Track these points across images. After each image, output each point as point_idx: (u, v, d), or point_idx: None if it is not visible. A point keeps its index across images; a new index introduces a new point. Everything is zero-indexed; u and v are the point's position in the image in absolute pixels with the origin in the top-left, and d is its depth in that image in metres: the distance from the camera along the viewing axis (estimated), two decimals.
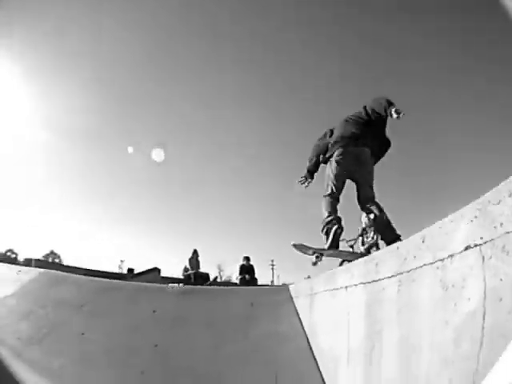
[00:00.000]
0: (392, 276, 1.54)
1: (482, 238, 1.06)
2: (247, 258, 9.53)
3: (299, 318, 3.77)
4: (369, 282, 1.82)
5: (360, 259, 2.14)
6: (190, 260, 8.41)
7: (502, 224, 0.99)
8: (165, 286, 5.34)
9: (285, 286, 4.72)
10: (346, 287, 2.22)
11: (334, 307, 2.55)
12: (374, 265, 1.78)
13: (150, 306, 4.09)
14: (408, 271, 1.41)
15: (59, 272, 6.10)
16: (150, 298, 4.37)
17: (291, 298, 4.28)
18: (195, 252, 8.68)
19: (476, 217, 1.11)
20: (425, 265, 1.31)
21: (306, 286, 3.62)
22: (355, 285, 2.04)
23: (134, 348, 3.45)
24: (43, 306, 4.33)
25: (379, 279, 1.69)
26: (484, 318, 1.01)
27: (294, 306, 4.05)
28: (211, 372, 3.08)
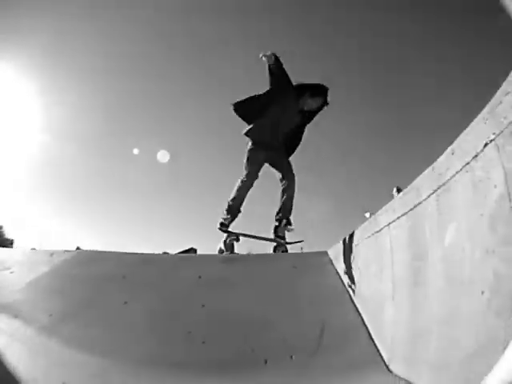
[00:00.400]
0: (430, 194, 1.87)
1: (494, 133, 1.40)
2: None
3: (340, 276, 4.09)
4: (411, 209, 2.14)
5: (402, 192, 2.46)
6: (224, 242, 8.81)
7: (505, 117, 1.35)
8: (208, 254, 5.61)
9: (323, 251, 5.02)
10: (389, 224, 2.54)
11: (377, 250, 2.86)
12: (414, 191, 2.11)
13: (195, 273, 4.36)
14: (444, 183, 1.74)
15: (94, 250, 6.20)
16: (193, 266, 4.63)
17: (331, 260, 4.61)
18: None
19: (487, 119, 1.47)
20: (456, 172, 1.64)
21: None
22: (398, 218, 2.36)
23: (179, 311, 3.66)
24: (79, 282, 4.50)
25: (419, 202, 2.01)
26: (510, 199, 1.31)
27: (335, 267, 4.37)
28: (259, 325, 3.31)
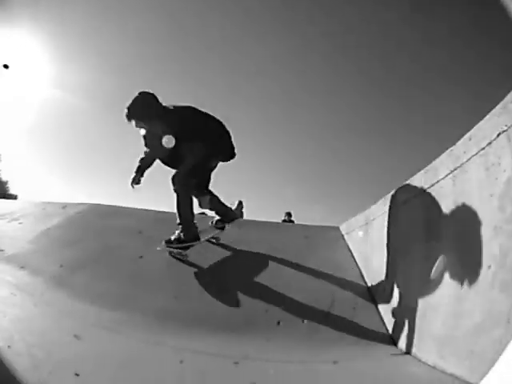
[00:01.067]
0: (447, 174, 2.16)
1: (506, 125, 1.70)
2: (289, 214, 10.15)
3: (350, 250, 4.44)
4: (428, 187, 2.45)
5: (420, 171, 2.74)
6: (234, 210, 9.19)
7: None
8: None
9: (335, 226, 5.34)
10: (405, 201, 2.86)
11: (393, 226, 3.15)
12: (433, 171, 2.40)
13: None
14: (460, 165, 2.03)
15: (109, 205, 6.19)
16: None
17: (342, 235, 4.96)
18: (240, 203, 9.43)
19: (501, 113, 1.77)
20: (472, 156, 1.93)
21: (361, 218, 4.23)
22: (414, 196, 2.67)
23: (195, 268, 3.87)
24: (93, 234, 4.62)
25: (437, 181, 2.30)
26: None
27: (345, 242, 4.72)
28: (273, 287, 3.56)
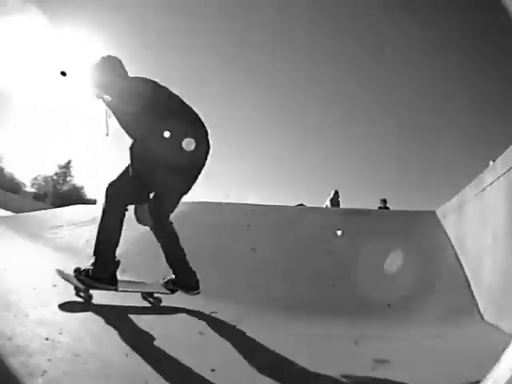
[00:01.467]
0: None
1: None
2: (384, 201, 10.33)
3: (446, 234, 4.77)
4: (507, 171, 2.82)
5: (499, 157, 3.09)
6: (331, 200, 9.69)
7: None
8: (328, 208, 6.00)
9: (431, 211, 5.60)
10: (491, 183, 3.19)
11: (481, 207, 3.50)
12: (509, 156, 2.80)
13: (318, 222, 5.02)
14: None
15: (212, 202, 6.41)
16: (315, 217, 5.26)
17: (438, 219, 5.27)
18: (336, 193, 9.91)
19: None
20: None
21: (454, 202, 4.57)
22: (498, 177, 3.02)
23: (307, 256, 4.23)
24: (201, 231, 4.78)
25: None
26: None
27: (442, 226, 5.04)
28: (381, 273, 3.80)
